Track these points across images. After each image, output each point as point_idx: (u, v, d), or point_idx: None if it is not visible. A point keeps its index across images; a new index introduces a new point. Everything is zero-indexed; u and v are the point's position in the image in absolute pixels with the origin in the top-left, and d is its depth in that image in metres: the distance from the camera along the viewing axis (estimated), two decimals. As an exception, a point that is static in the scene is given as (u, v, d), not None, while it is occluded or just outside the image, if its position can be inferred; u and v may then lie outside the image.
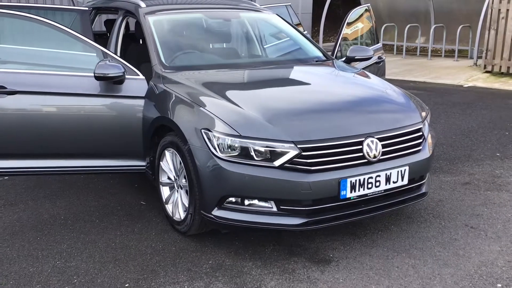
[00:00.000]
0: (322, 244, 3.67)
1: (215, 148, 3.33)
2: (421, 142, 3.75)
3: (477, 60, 12.24)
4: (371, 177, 3.42)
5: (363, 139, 3.43)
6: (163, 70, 4.14)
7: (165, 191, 4.00)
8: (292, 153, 3.25)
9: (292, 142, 3.27)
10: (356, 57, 4.98)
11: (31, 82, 3.98)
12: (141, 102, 4.11)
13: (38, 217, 4.17)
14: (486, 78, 10.85)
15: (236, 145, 3.30)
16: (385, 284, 3.16)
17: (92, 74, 3.96)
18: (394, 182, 3.54)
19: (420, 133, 3.77)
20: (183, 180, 3.71)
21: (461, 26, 12.98)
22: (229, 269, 3.35)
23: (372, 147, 3.43)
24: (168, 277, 3.26)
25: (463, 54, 13.64)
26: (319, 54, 4.95)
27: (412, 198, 3.74)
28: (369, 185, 3.43)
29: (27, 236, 3.83)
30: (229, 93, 3.75)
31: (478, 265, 3.38)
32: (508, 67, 10.93)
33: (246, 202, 3.39)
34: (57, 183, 4.91)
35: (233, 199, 3.39)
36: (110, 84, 4.04)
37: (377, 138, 3.48)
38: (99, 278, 3.25)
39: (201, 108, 3.54)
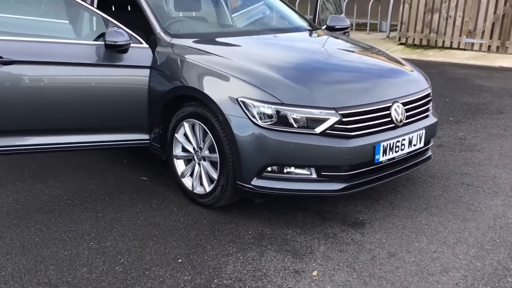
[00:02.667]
0: (346, 208, 3.74)
1: (254, 117, 3.26)
2: (430, 107, 3.93)
3: (389, 33, 12.86)
4: (398, 141, 3.54)
5: (391, 104, 3.53)
6: (171, 37, 3.92)
7: (179, 165, 3.85)
8: (333, 119, 3.26)
9: (333, 108, 3.28)
10: (336, 27, 5.05)
11: (29, 51, 3.62)
12: (146, 72, 3.89)
13: (38, 198, 3.83)
14: (402, 50, 11.46)
15: (275, 113, 3.24)
16: (424, 241, 3.30)
17: (93, 42, 3.71)
18: (414, 145, 3.69)
19: (430, 98, 3.94)
20: (206, 152, 3.59)
21: (372, 0, 13.53)
22: (273, 238, 3.32)
23: (399, 112, 3.54)
24: (216, 249, 3.17)
25: (371, 28, 14.25)
26: (303, 23, 4.96)
27: (422, 161, 3.91)
28: (397, 149, 3.54)
29: (39, 219, 3.52)
30: (257, 61, 3.66)
31: (493, 218, 3.63)
32: (421, 39, 11.61)
33: (286, 170, 3.35)
34: (35, 162, 4.53)
35: (272, 168, 3.34)
36: (114, 53, 3.78)
37: (401, 103, 3.59)
38: (146, 256, 3.08)
39: (234, 77, 3.42)
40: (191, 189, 3.76)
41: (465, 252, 3.18)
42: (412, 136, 3.64)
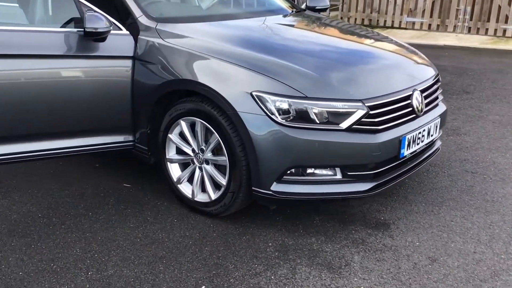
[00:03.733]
0: (362, 208, 3.40)
1: (273, 113, 2.81)
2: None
3: (329, 13, 12.63)
4: (420, 132, 3.22)
5: (411, 92, 3.20)
6: (156, 22, 3.35)
7: (174, 170, 3.34)
8: (360, 112, 2.88)
9: (360, 100, 2.89)
10: (316, 7, 4.66)
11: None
12: (128, 63, 3.32)
13: (5, 219, 3.19)
14: (345, 30, 11.26)
15: (294, 108, 2.81)
16: (459, 241, 3.03)
17: (63, 30, 3.17)
18: (431, 136, 3.39)
19: (440, 83, 3.65)
20: (210, 154, 3.10)
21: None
22: (298, 249, 2.91)
23: (419, 100, 3.22)
24: (241, 269, 2.72)
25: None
26: (284, 6, 4.52)
27: (434, 152, 3.63)
28: (418, 141, 3.23)
29: (15, 246, 2.90)
30: (268, 48, 3.20)
31: (514, 208, 3.42)
32: (363, 19, 11.49)
33: (308, 172, 2.94)
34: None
35: (293, 170, 2.92)
36: (90, 42, 3.18)
37: (419, 91, 3.27)
38: (162, 285, 2.58)
39: (245, 67, 2.94)
40: (190, 197, 3.26)
41: (505, 250, 2.93)
42: (430, 126, 3.33)
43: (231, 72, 2.96)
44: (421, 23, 10.95)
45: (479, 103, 5.86)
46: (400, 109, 3.11)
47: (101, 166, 3.96)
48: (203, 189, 3.24)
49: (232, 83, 2.93)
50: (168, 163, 3.34)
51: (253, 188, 2.96)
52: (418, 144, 3.23)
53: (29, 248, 2.87)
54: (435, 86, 3.53)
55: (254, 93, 2.84)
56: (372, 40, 3.85)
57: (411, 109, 3.17)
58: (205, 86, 2.97)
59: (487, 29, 10.24)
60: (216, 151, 3.12)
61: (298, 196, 2.94)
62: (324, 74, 2.99)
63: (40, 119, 3.16)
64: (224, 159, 3.02)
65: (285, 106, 2.83)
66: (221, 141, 3.00)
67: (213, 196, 3.15)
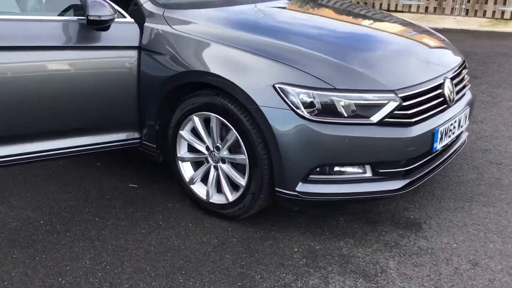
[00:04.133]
0: (388, 206, 3.16)
1: (298, 107, 2.54)
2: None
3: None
4: (451, 123, 2.98)
5: (443, 81, 2.94)
6: (163, 9, 3.05)
7: (186, 169, 3.07)
8: (392, 104, 2.62)
9: (392, 91, 2.63)
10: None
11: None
12: (133, 54, 3.03)
13: (4, 227, 2.91)
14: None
15: (319, 101, 2.55)
16: (498, 241, 2.82)
17: (62, 18, 2.88)
18: (461, 127, 3.15)
19: (467, 69, 3.40)
20: (226, 152, 2.83)
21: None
22: (328, 255, 2.66)
23: (451, 89, 2.97)
24: (268, 280, 2.47)
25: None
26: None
27: (462, 145, 3.39)
28: (450, 133, 2.99)
29: (17, 257, 2.62)
30: (288, 35, 2.91)
31: (549, 203, 3.20)
32: (358, 1, 11.19)
33: (335, 170, 2.68)
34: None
35: (320, 169, 2.66)
36: (92, 31, 2.88)
37: (450, 78, 3.02)
38: (185, 301, 2.32)
39: (267, 57, 2.66)
40: (205, 198, 2.99)
41: (548, 250, 2.70)
42: (461, 116, 3.08)
43: (251, 63, 2.68)
44: (418, 6, 10.72)
45: (490, 89, 5.64)
46: (432, 99, 2.86)
47: (103, 165, 3.67)
48: (219, 190, 2.97)
49: (252, 75, 2.65)
50: (179, 162, 3.07)
51: (276, 189, 2.70)
52: (449, 136, 2.99)
53: (33, 261, 2.59)
54: (464, 73, 3.28)
55: (277, 86, 2.57)
56: (396, 25, 3.58)
57: (442, 99, 2.92)
58: (221, 78, 2.69)
59: (485, 11, 10.04)
60: (233, 148, 2.85)
61: (325, 197, 2.69)
62: (352, 63, 2.72)
63: (38, 118, 2.87)
64: (243, 157, 2.76)
65: (310, 99, 2.56)
66: (239, 138, 2.73)
67: (231, 197, 2.89)
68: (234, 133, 2.74)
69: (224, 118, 2.76)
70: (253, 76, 2.64)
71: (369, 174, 2.72)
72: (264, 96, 2.59)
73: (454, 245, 2.76)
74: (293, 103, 2.55)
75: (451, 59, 3.19)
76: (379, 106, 2.61)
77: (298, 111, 2.55)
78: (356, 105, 2.59)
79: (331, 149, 2.58)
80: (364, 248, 2.72)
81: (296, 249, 2.71)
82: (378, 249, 2.72)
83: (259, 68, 2.65)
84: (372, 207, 3.13)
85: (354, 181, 2.71)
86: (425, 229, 2.90)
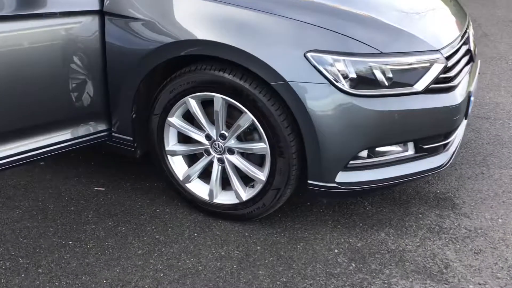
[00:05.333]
0: (424, 188, 2.74)
1: (337, 80, 2.00)
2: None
3: None
4: (476, 82, 2.60)
5: (468, 35, 2.55)
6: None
7: (178, 165, 2.43)
8: (437, 67, 2.17)
9: (437, 51, 2.17)
10: None
11: None
12: (92, 21, 2.28)
13: None
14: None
15: (357, 69, 2.03)
16: (539, 209, 2.51)
17: None
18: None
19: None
20: (233, 141, 2.24)
21: None
22: (376, 253, 2.22)
23: (471, 43, 2.58)
24: (326, 298, 1.96)
25: None
26: None
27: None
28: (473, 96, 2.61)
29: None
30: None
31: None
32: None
33: (377, 152, 2.20)
34: None
35: (363, 153, 2.17)
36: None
37: (469, 33, 2.63)
38: None
39: (293, 19, 2.06)
40: (207, 198, 2.39)
41: None
42: (477, 75, 2.72)
43: (273, 27, 2.06)
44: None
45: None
46: (464, 57, 2.44)
47: (48, 163, 2.88)
48: (224, 187, 2.38)
49: (276, 43, 2.05)
50: (168, 156, 2.40)
51: (309, 181, 2.16)
52: (472, 100, 2.60)
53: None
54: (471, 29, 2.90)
55: (309, 55, 2.00)
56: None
57: (470, 55, 2.52)
58: (233, 49, 2.05)
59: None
60: (244, 136, 2.25)
61: (368, 185, 2.20)
62: (392, 21, 2.20)
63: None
64: (262, 146, 2.17)
65: (349, 68, 2.01)
66: (257, 123, 2.13)
67: (244, 195, 2.31)
68: (249, 117, 2.14)
69: (234, 99, 2.14)
70: (278, 45, 2.04)
71: (411, 152, 2.27)
72: (293, 69, 2.01)
73: (500, 220, 2.43)
74: (332, 74, 1.99)
75: (465, 14, 2.79)
76: (423, 71, 2.13)
77: (338, 84, 2.00)
78: (397, 71, 2.09)
79: (378, 128, 2.08)
80: (410, 238, 2.29)
81: (336, 250, 2.22)
82: (425, 237, 2.30)
83: (284, 33, 2.05)
84: (399, 193, 2.69)
85: (396, 162, 2.25)
86: (460, 205, 2.53)
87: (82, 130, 2.43)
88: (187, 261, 2.14)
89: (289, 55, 2.01)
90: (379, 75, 2.05)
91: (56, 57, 2.21)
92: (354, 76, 2.01)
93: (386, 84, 2.07)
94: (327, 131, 2.04)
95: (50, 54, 2.19)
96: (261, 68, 2.03)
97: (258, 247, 2.23)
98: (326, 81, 2.00)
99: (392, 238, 2.30)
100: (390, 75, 2.05)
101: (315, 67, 1.99)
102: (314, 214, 2.47)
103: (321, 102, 2.01)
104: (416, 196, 2.61)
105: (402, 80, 2.11)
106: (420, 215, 2.46)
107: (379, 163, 2.21)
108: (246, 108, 2.13)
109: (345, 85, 2.01)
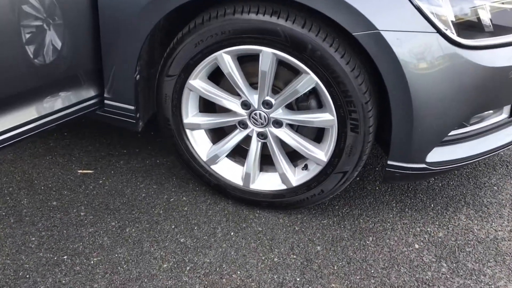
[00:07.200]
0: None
1: (446, 27, 1.41)
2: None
3: None
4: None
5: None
6: None
7: (200, 141, 1.79)
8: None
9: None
10: None
11: None
12: None
13: None
14: None
15: (460, 13, 1.46)
16: None
17: None
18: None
19: None
20: (281, 111, 1.64)
21: None
22: (467, 246, 1.73)
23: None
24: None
25: None
26: None
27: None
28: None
29: None
30: None
31: None
32: None
33: (473, 119, 1.67)
34: None
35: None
36: None
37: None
38: None
39: None
40: (241, 184, 1.78)
41: None
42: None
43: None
44: None
45: None
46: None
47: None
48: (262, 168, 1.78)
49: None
50: (187, 131, 1.75)
51: (390, 163, 1.59)
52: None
53: None
54: None
55: (412, -7, 1.37)
56: None
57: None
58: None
59: None
60: (297, 104, 1.64)
61: (462, 162, 1.67)
62: None
63: None
64: (327, 118, 1.57)
65: (456, 9, 1.42)
66: (323, 88, 1.52)
67: (294, 179, 1.73)
68: (312, 80, 1.52)
69: (292, 56, 1.50)
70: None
71: (505, 115, 1.74)
72: (388, 12, 1.39)
73: None
74: (440, 20, 1.39)
75: None
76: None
77: (447, 33, 1.41)
78: (498, 13, 1.52)
79: (489, 90, 1.53)
80: (496, 221, 1.84)
81: (417, 246, 1.72)
82: (497, 229, 1.83)
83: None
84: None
85: (492, 130, 1.72)
86: (500, 192, 2.07)
87: (61, 101, 1.71)
88: (233, 276, 1.56)
89: (383, -6, 1.38)
90: (485, 17, 1.47)
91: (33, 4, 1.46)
92: (459, 19, 1.42)
93: (492, 29, 1.50)
94: (428, 96, 1.47)
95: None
96: (341, 12, 1.39)
97: (318, 247, 1.68)
98: (433, 29, 1.40)
99: (476, 222, 1.82)
100: (489, 14, 1.48)
101: (418, 9, 1.38)
102: (370, 194, 1.93)
103: (424, 57, 1.42)
104: (479, 161, 2.12)
105: (500, 22, 1.54)
106: (495, 188, 1.99)
107: (473, 133, 1.68)
108: (307, 67, 1.50)
109: (454, 33, 1.41)
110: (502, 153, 2.17)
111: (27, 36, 1.52)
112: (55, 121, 1.68)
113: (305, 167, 1.72)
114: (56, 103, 1.69)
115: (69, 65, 1.64)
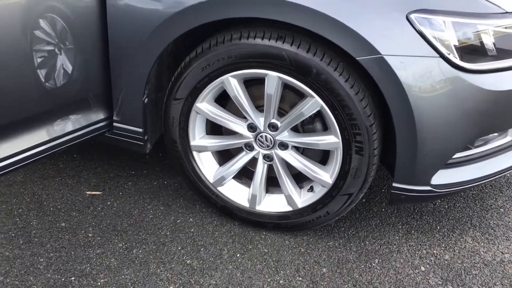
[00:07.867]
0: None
1: (449, 51, 1.42)
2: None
3: None
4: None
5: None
6: None
7: (207, 163, 1.80)
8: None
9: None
10: None
11: None
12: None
13: None
14: None
15: (464, 35, 1.47)
16: None
17: None
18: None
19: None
20: (286, 133, 1.65)
21: None
22: (473, 268, 1.71)
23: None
24: None
25: None
26: None
27: None
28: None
29: None
30: None
31: None
32: None
33: (477, 141, 1.67)
34: None
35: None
36: None
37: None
38: None
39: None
40: (247, 206, 1.79)
41: None
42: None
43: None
44: None
45: None
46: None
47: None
48: (268, 190, 1.79)
49: (365, 1, 1.41)
50: (194, 153, 1.76)
51: (395, 185, 1.60)
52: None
53: None
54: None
55: (414, 16, 1.39)
56: None
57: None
58: (304, 10, 1.41)
59: None
60: (302, 126, 1.65)
61: (467, 184, 1.67)
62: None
63: None
64: (332, 141, 1.58)
65: (459, 34, 1.44)
66: (327, 111, 1.53)
67: (300, 201, 1.73)
68: (317, 103, 1.53)
69: (297, 79, 1.52)
70: (369, 5, 1.41)
71: (509, 137, 1.74)
72: (391, 37, 1.41)
73: None
74: (445, 46, 1.40)
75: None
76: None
77: (450, 57, 1.42)
78: (502, 37, 1.53)
79: (494, 113, 1.53)
80: (503, 243, 1.81)
81: (423, 268, 1.71)
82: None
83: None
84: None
85: (496, 152, 1.72)
86: (507, 212, 2.06)
87: (71, 123, 1.73)
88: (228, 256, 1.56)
89: (385, 18, 1.40)
90: (488, 42, 1.48)
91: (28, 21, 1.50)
92: (462, 44, 1.43)
93: (495, 53, 1.50)
94: (431, 119, 1.47)
95: (36, 23, 1.47)
96: (344, 37, 1.41)
97: (324, 269, 1.68)
98: (435, 54, 1.41)
99: (482, 244, 1.81)
100: (492, 37, 1.49)
101: (420, 34, 1.39)
102: (376, 215, 1.93)
103: (426, 81, 1.43)
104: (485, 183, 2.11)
105: (497, 45, 1.54)
106: (502, 210, 1.97)
107: (478, 156, 1.68)
108: (313, 90, 1.52)
109: (457, 57, 1.43)
110: (508, 175, 2.16)
111: (39, 60, 1.55)
112: (65, 143, 1.70)
113: (311, 189, 1.73)
114: (67, 126, 1.72)
115: (79, 88, 1.67)
